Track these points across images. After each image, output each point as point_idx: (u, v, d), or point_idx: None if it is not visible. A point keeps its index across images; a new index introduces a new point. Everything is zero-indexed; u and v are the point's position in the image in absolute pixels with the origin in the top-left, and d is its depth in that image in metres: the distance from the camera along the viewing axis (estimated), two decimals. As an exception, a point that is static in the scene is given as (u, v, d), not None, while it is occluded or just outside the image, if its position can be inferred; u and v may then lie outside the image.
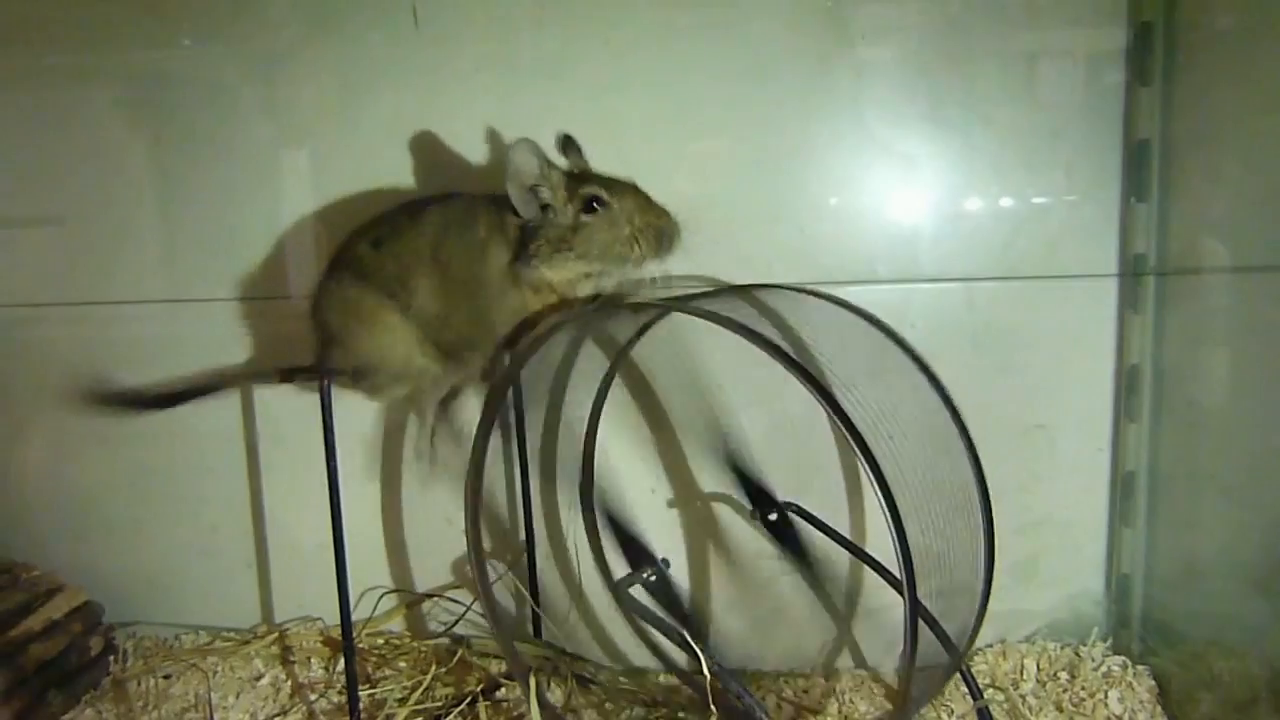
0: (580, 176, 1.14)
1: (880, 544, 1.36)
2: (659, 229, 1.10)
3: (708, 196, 1.39)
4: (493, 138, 1.38)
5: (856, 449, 0.81)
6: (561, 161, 1.17)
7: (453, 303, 1.17)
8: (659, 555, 1.31)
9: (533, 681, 1.07)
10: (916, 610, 0.79)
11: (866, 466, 0.81)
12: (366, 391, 1.25)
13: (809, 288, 1.19)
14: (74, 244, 1.52)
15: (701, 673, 0.87)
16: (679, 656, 1.42)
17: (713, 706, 0.88)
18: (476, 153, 1.39)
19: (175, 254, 1.51)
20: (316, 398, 1.19)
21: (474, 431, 1.11)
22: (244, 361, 1.50)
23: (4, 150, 1.52)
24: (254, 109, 1.46)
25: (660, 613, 0.93)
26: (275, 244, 1.47)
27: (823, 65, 1.35)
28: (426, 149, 1.41)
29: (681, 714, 1.21)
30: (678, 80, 1.37)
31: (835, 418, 0.82)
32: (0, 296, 1.56)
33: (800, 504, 1.33)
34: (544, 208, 1.11)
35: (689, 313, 0.97)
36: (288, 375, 1.25)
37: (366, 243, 1.20)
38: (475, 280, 1.15)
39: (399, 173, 1.41)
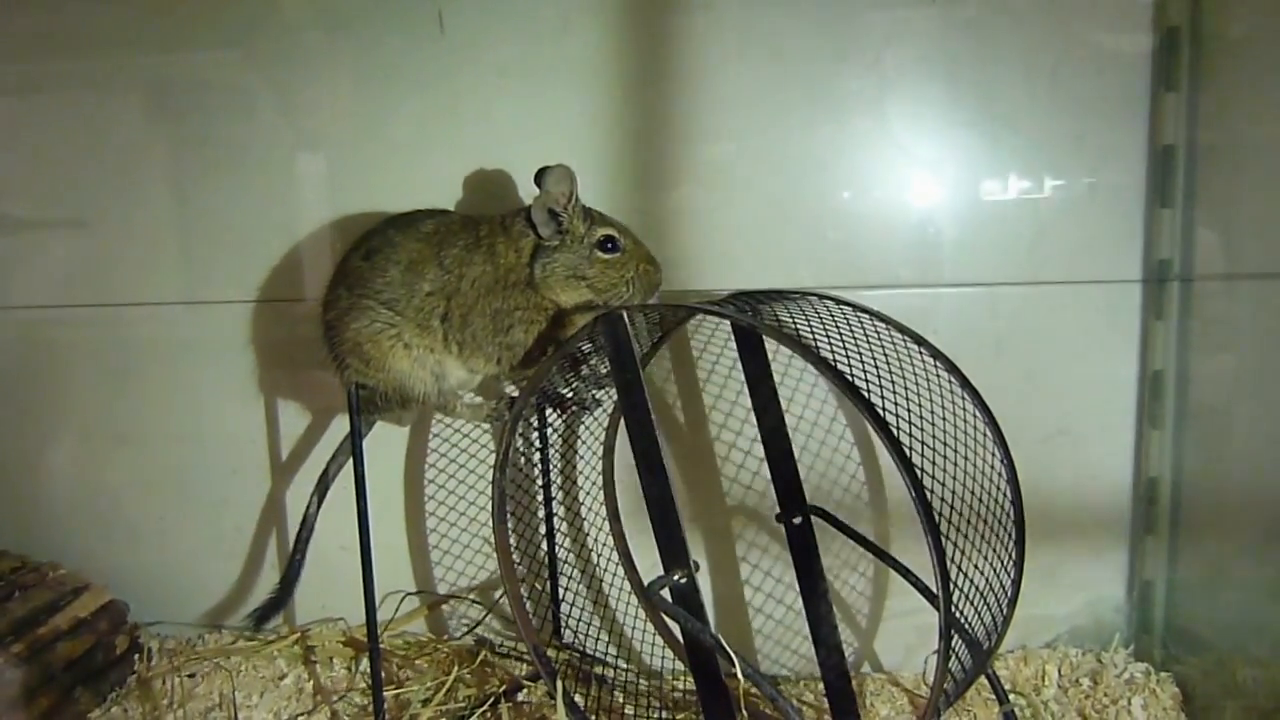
0: (594, 215, 1.20)
1: (901, 547, 1.36)
2: (651, 279, 1.21)
3: (731, 200, 1.40)
4: (516, 153, 1.39)
5: (893, 452, 0.81)
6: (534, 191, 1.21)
7: (466, 303, 1.19)
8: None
9: (560, 684, 1.08)
10: (951, 622, 0.79)
11: (903, 469, 0.81)
12: (401, 406, 1.27)
13: (832, 293, 1.19)
14: (94, 246, 1.54)
15: (733, 675, 0.87)
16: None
17: (743, 711, 0.88)
18: (499, 158, 1.40)
19: (193, 256, 1.53)
20: (339, 400, 1.20)
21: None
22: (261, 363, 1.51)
23: (26, 153, 1.54)
24: (274, 113, 1.47)
25: (691, 615, 0.93)
26: (293, 247, 1.48)
27: (845, 69, 1.35)
28: (448, 154, 1.42)
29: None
30: (701, 84, 1.37)
31: (872, 422, 0.82)
32: (22, 298, 1.57)
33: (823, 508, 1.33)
34: (562, 233, 1.18)
35: (724, 316, 0.98)
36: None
37: (358, 258, 1.23)
38: (488, 280, 1.19)
39: (419, 178, 1.42)
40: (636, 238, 1.22)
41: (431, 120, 1.43)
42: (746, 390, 1.26)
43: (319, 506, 1.38)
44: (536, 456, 1.42)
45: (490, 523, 1.22)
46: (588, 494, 1.46)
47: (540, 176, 1.16)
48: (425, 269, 1.20)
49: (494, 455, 1.18)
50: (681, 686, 1.41)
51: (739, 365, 1.26)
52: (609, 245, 1.18)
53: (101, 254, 1.54)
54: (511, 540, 1.21)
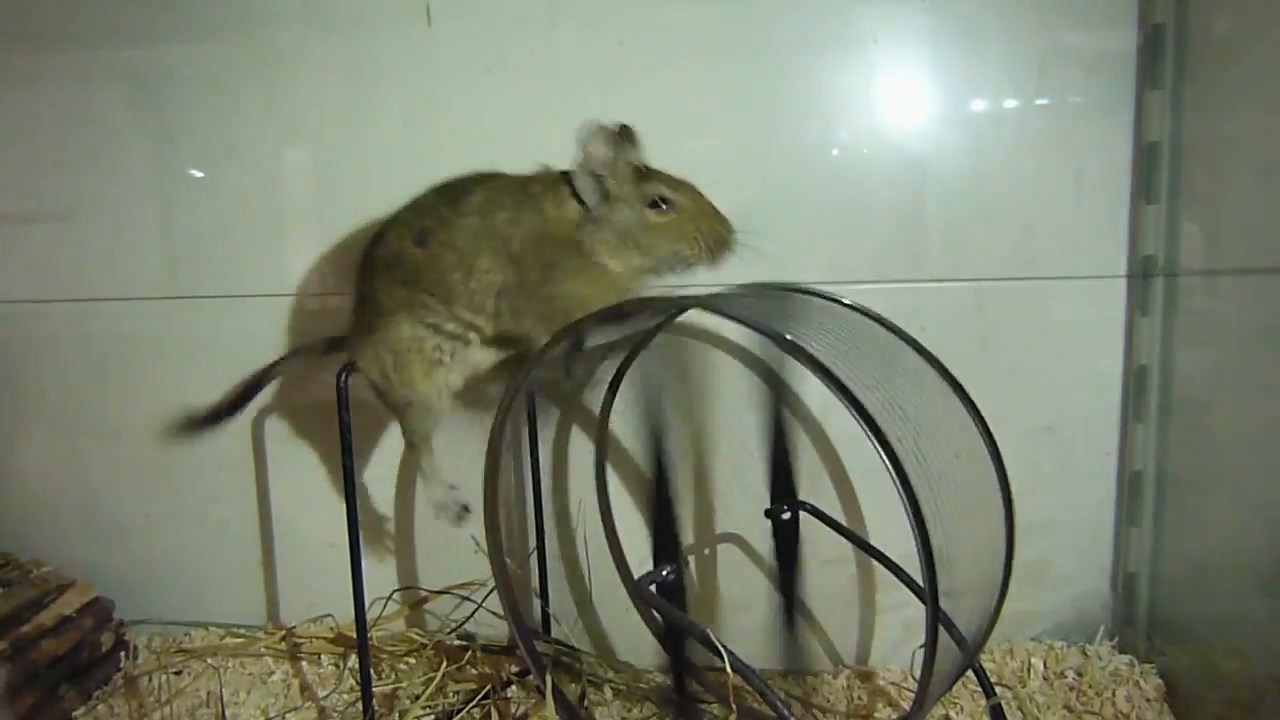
0: (646, 173, 1.13)
1: (886, 542, 1.36)
2: (718, 236, 1.11)
3: (716, 195, 1.38)
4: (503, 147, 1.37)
5: (881, 450, 0.81)
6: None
7: (523, 275, 1.12)
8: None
9: (549, 679, 1.08)
10: (937, 616, 0.79)
11: (891, 468, 0.81)
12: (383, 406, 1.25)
13: (818, 289, 1.19)
14: (77, 240, 1.53)
15: (721, 670, 0.88)
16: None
17: (732, 704, 0.89)
18: (486, 152, 1.39)
19: (177, 250, 1.51)
20: (325, 395, 1.20)
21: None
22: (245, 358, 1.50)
23: (9, 147, 1.52)
24: (259, 107, 1.46)
25: (679, 610, 0.93)
26: (278, 242, 1.48)
27: (833, 66, 1.35)
28: (435, 148, 1.41)
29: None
30: (689, 79, 1.37)
31: (859, 417, 0.82)
32: (6, 292, 1.56)
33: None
34: (607, 196, 1.11)
35: (713, 309, 0.98)
36: (335, 344, 1.26)
37: (410, 240, 1.16)
38: (541, 247, 1.11)
39: (406, 172, 1.40)
40: (699, 194, 1.14)
41: (418, 114, 1.42)
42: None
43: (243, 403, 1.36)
44: (527, 451, 1.42)
45: (479, 518, 1.21)
46: (577, 489, 1.46)
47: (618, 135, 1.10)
48: (483, 246, 1.12)
49: (484, 451, 1.18)
50: (669, 681, 1.41)
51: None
52: (660, 205, 1.10)
53: (85, 248, 1.53)
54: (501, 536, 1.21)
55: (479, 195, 1.15)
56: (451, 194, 1.17)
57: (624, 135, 1.13)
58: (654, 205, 1.10)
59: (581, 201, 1.11)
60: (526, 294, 1.11)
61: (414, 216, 1.18)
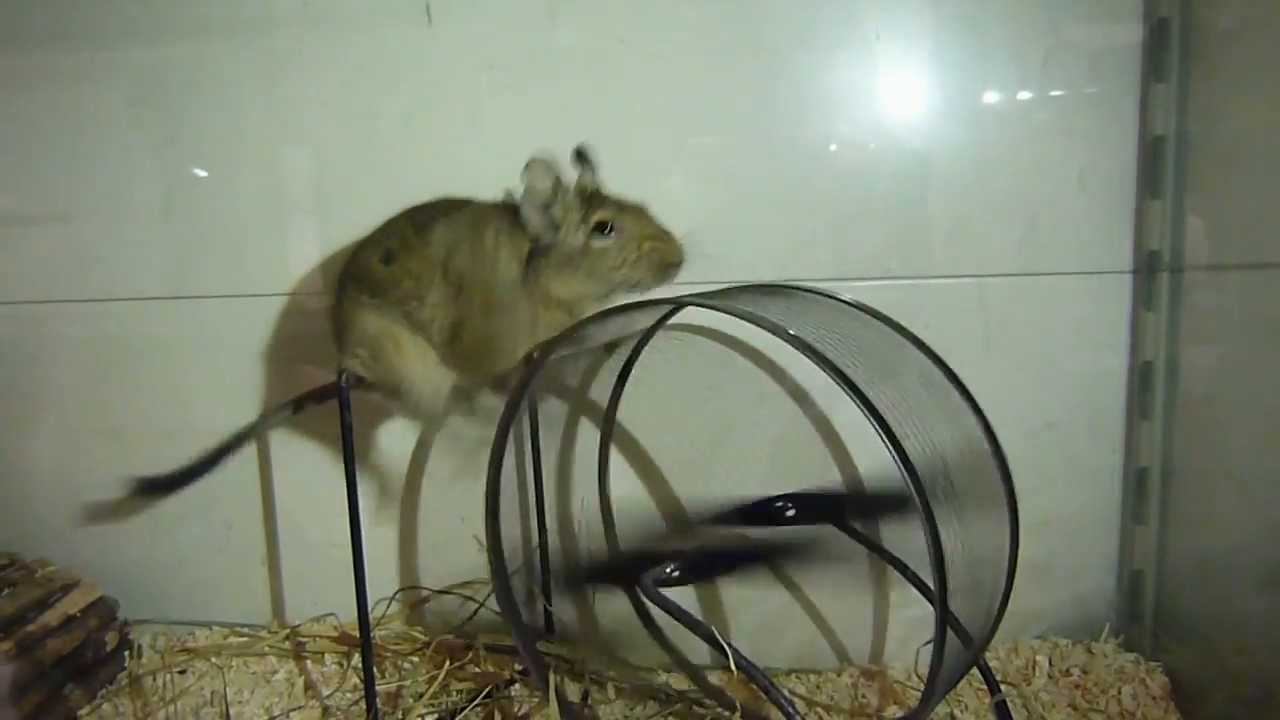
0: (593, 199, 1.15)
1: (889, 536, 1.36)
2: (663, 256, 1.13)
3: (718, 192, 1.39)
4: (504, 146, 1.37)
5: (890, 446, 0.81)
6: (573, 173, 1.18)
7: (464, 312, 1.17)
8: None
9: (552, 679, 1.08)
10: (946, 617, 0.79)
11: (900, 464, 0.81)
12: (387, 400, 1.26)
13: (821, 287, 1.19)
14: (79, 241, 1.53)
15: (727, 668, 0.87)
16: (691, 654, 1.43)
17: (738, 704, 0.88)
18: (487, 151, 1.39)
19: (179, 251, 1.52)
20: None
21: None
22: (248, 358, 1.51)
23: (9, 147, 1.52)
24: (259, 106, 1.46)
25: (684, 608, 0.93)
26: (279, 241, 1.48)
27: (836, 61, 1.35)
28: (435, 147, 1.41)
29: (698, 709, 1.22)
30: (690, 76, 1.37)
31: (869, 415, 0.82)
32: (6, 293, 1.56)
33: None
34: (555, 226, 1.14)
35: (711, 307, 0.98)
36: (301, 404, 1.29)
37: (377, 258, 1.21)
38: (486, 290, 1.16)
39: (406, 171, 1.41)
40: (646, 216, 1.16)
41: (418, 112, 1.42)
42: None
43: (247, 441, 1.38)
44: (528, 451, 1.42)
45: (481, 518, 1.21)
46: (578, 488, 1.46)
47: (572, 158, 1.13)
48: (433, 279, 1.17)
49: (490, 452, 1.18)
50: (671, 681, 1.41)
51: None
52: (603, 229, 1.13)
53: (87, 249, 1.53)
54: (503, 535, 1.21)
55: (440, 229, 1.18)
56: (419, 220, 1.21)
57: (579, 157, 1.17)
58: (599, 230, 1.12)
59: (530, 234, 1.14)
60: (466, 331, 1.16)
61: (383, 236, 1.22)
